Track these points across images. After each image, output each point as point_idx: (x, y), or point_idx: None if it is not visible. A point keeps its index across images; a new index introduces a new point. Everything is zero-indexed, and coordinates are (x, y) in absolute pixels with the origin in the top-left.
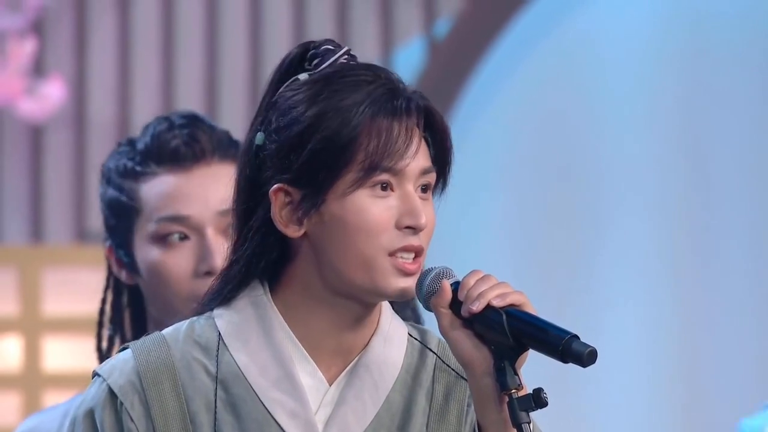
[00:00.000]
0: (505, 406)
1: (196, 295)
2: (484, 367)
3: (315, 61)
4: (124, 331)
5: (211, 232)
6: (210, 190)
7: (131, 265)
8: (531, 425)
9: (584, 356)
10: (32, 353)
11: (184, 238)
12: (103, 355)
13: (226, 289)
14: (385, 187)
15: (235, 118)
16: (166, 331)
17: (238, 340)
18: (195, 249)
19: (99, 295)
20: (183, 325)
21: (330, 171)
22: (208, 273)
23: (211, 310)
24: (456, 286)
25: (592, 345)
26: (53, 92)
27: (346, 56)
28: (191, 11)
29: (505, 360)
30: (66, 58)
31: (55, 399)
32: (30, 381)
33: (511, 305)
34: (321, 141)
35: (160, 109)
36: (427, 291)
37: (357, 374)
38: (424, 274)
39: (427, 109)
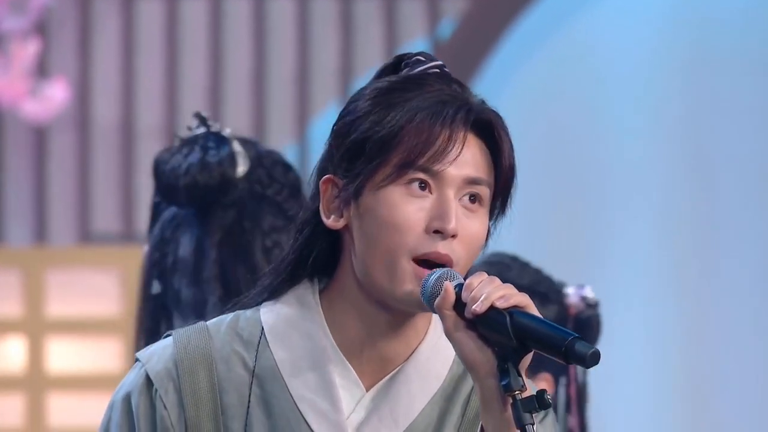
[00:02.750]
0: (509, 408)
1: None
2: (488, 368)
3: (404, 71)
4: None
5: None
6: None
7: None
8: (535, 427)
9: (587, 357)
10: (36, 354)
11: None
12: None
13: (276, 282)
14: (423, 187)
15: (238, 121)
16: (211, 321)
17: (280, 337)
18: None
19: (103, 296)
20: (228, 317)
21: (368, 161)
22: None
23: (259, 304)
24: (459, 288)
25: (595, 346)
26: (57, 94)
27: (436, 69)
28: (195, 14)
29: (509, 361)
30: (70, 59)
31: (58, 400)
32: (34, 382)
33: (515, 307)
34: (365, 131)
35: (163, 111)
36: (430, 293)
37: (396, 384)
38: (427, 277)
39: (488, 122)
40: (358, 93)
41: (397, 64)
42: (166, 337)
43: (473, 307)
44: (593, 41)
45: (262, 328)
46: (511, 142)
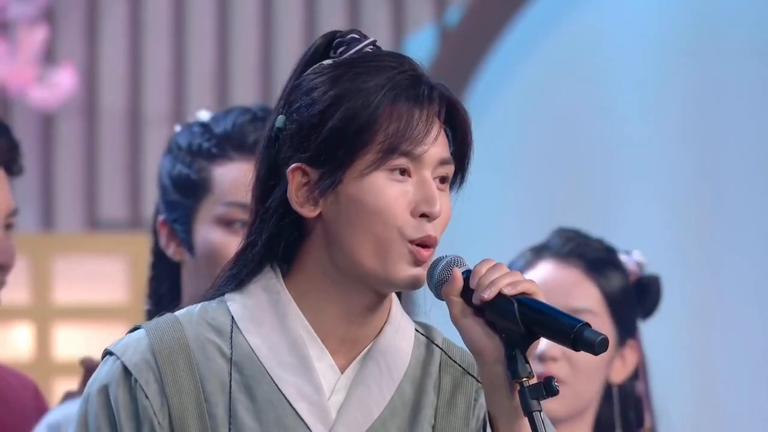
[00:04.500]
0: (516, 395)
1: None
2: (495, 355)
3: (340, 49)
4: (161, 306)
5: None
6: None
7: (186, 241)
8: (542, 414)
9: (596, 344)
10: (43, 341)
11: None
12: None
13: (243, 273)
14: (403, 172)
15: None
16: (179, 312)
17: (251, 324)
18: None
19: (110, 283)
20: (195, 308)
21: (349, 150)
22: None
23: (222, 295)
24: (467, 274)
25: (603, 333)
26: (64, 80)
27: (371, 46)
28: (202, 0)
29: (516, 348)
30: (77, 46)
31: (66, 387)
32: (41, 369)
33: (523, 293)
34: (341, 120)
35: (170, 97)
36: (438, 279)
37: (369, 363)
38: (435, 263)
39: (449, 100)
40: (311, 81)
41: (328, 44)
42: (133, 329)
43: (481, 293)
44: (600, 26)
45: (232, 317)
46: (471, 120)
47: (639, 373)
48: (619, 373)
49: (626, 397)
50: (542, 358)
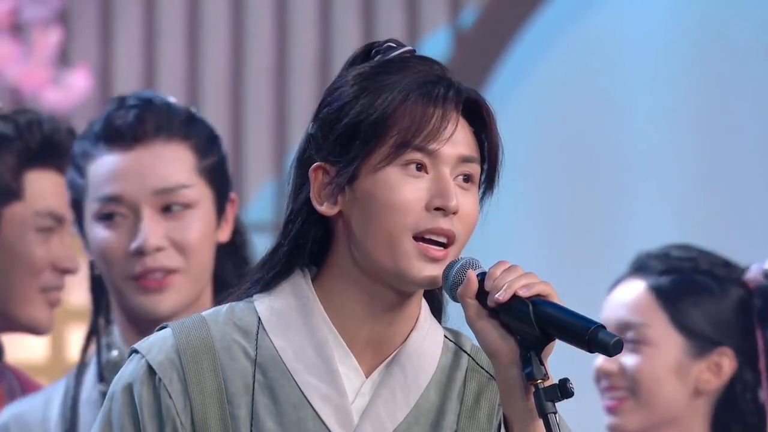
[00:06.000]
0: (531, 397)
1: (129, 275)
2: (511, 357)
3: (377, 57)
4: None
5: (147, 212)
6: (147, 170)
7: (86, 244)
8: (557, 416)
9: (610, 346)
10: (58, 343)
11: (123, 216)
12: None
13: (270, 275)
14: (420, 168)
15: (259, 108)
16: (206, 312)
17: (278, 326)
18: (129, 228)
19: None
20: (223, 308)
21: (362, 144)
22: (139, 252)
23: (251, 296)
24: (482, 276)
25: (617, 335)
26: (79, 82)
27: (408, 54)
28: (217, 1)
29: (531, 350)
30: (91, 47)
31: None
32: (56, 371)
33: (538, 295)
34: (356, 115)
35: (185, 98)
36: (453, 282)
37: (394, 369)
38: (450, 266)
39: (474, 102)
40: (338, 81)
41: (367, 52)
42: (161, 329)
43: (496, 295)
44: (612, 28)
45: (259, 318)
46: (496, 121)
47: (763, 381)
48: (709, 382)
49: (746, 405)
50: (599, 375)
